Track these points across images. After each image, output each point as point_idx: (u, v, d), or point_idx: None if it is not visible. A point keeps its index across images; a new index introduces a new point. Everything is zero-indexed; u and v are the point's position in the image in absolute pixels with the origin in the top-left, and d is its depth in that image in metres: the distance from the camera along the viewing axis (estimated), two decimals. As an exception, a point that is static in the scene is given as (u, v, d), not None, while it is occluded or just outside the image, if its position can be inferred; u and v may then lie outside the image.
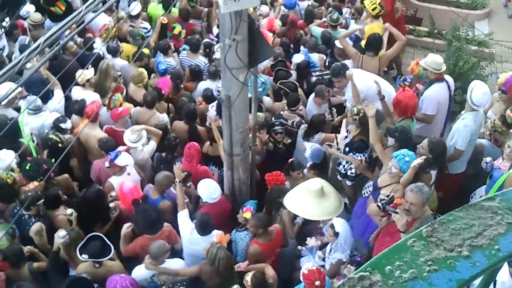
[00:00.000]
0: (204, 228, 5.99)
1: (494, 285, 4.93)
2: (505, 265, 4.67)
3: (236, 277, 5.89)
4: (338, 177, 7.42)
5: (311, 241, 6.21)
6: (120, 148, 6.97)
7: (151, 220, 5.98)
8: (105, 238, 5.81)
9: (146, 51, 8.86)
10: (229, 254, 5.80)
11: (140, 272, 5.83)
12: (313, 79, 7.76)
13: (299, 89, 8.50)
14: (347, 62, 8.60)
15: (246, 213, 6.21)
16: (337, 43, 8.97)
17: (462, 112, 7.05)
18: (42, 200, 6.04)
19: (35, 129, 7.04)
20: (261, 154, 7.42)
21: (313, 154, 7.11)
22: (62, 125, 7.18)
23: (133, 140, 7.15)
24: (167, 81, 8.52)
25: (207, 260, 5.70)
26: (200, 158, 7.09)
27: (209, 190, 6.44)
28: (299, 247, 6.44)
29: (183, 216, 6.19)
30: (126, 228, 6.09)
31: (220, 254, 5.60)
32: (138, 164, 7.22)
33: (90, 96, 7.85)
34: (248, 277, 5.36)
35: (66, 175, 6.91)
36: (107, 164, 6.62)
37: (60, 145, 6.80)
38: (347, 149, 6.99)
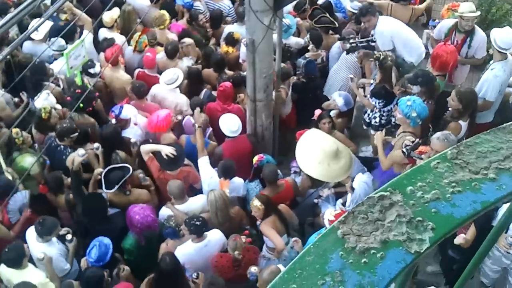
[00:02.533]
0: (226, 172, 6.03)
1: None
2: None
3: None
4: (364, 126, 7.34)
5: (325, 191, 6.18)
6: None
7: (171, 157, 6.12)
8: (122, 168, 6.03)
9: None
10: (222, 197, 5.77)
11: (163, 212, 6.00)
12: (347, 45, 7.51)
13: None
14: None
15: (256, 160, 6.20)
16: None
17: (490, 62, 6.86)
18: (77, 133, 6.28)
19: (62, 72, 7.04)
20: (284, 101, 7.35)
21: (346, 101, 7.03)
22: (91, 70, 7.18)
23: (169, 81, 7.14)
24: (178, 26, 8.39)
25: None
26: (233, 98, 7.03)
27: (229, 123, 6.49)
28: (315, 200, 6.41)
29: (204, 162, 6.23)
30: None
31: (211, 196, 5.68)
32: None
33: (117, 38, 7.84)
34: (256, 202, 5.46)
35: (92, 120, 6.98)
36: (113, 121, 6.68)
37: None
38: (369, 95, 6.91)
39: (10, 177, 5.88)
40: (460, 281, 1.69)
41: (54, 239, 5.57)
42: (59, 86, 7.15)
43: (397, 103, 6.80)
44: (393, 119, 6.85)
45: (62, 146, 6.31)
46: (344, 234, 1.15)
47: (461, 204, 1.19)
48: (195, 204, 6.02)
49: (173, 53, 7.65)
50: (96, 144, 6.29)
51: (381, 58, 6.56)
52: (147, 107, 7.18)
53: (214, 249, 5.59)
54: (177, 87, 7.20)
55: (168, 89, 7.16)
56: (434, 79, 6.47)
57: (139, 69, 7.67)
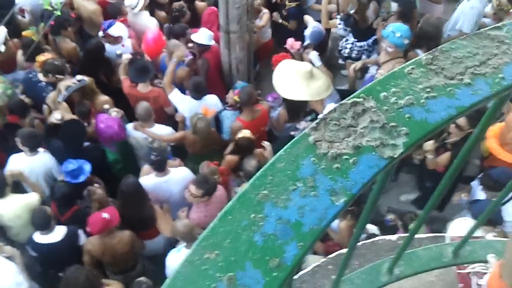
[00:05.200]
0: (197, 91, 6.06)
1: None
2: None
3: (218, 154, 6.06)
4: (340, 60, 7.28)
5: (302, 124, 6.18)
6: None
7: (140, 67, 6.30)
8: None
9: None
10: (209, 124, 5.88)
11: (129, 127, 6.24)
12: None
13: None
14: None
15: (237, 96, 6.17)
16: None
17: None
18: (63, 76, 6.21)
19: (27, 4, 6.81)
20: (260, 31, 7.24)
21: (312, 35, 6.91)
22: None
23: (132, 4, 6.98)
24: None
25: (190, 129, 5.88)
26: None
27: (204, 32, 6.64)
28: (292, 132, 6.41)
29: (175, 94, 6.19)
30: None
31: (200, 124, 5.75)
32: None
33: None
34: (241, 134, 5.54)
35: (73, 44, 6.87)
36: (101, 33, 6.61)
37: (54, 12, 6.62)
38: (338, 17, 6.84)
39: None
40: (431, 201, 1.68)
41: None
42: (24, 17, 6.94)
43: (374, 42, 6.76)
44: (363, 56, 6.83)
45: (44, 83, 6.17)
46: (316, 141, 1.12)
47: (435, 110, 1.16)
48: (160, 131, 6.05)
49: None
50: (79, 77, 6.20)
51: None
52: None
53: (175, 187, 5.66)
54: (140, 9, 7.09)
55: (133, 13, 7.03)
56: (414, 4, 6.39)
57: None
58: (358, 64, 6.45)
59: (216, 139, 6.22)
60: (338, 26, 6.81)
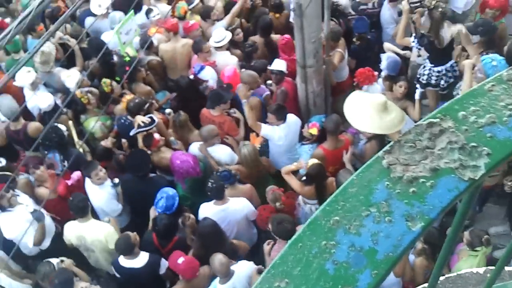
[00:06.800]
0: (280, 111, 6.29)
1: None
2: None
3: (271, 179, 6.20)
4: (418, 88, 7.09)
5: None
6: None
7: (214, 94, 6.63)
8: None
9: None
10: (255, 152, 6.08)
11: (193, 148, 6.46)
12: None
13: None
14: None
15: (312, 128, 6.14)
16: None
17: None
18: (147, 105, 6.64)
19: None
20: (336, 67, 7.16)
21: (389, 66, 6.79)
22: None
23: (217, 39, 7.20)
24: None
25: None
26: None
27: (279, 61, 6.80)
28: None
29: (264, 128, 6.39)
30: None
31: (244, 150, 5.82)
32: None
33: (161, 8, 7.98)
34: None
35: (148, 88, 7.20)
36: (191, 76, 6.90)
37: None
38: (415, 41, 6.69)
39: (81, 150, 6.16)
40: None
41: (107, 182, 6.06)
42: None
43: (452, 66, 6.54)
44: (442, 82, 6.62)
45: (128, 121, 6.51)
46: (390, 164, 1.07)
47: (520, 127, 1.08)
48: (218, 152, 6.19)
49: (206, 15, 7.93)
50: (168, 110, 6.83)
51: (431, 6, 6.25)
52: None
53: (232, 216, 5.67)
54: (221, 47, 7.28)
55: (217, 47, 7.23)
56: (495, 28, 6.15)
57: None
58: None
59: (265, 168, 6.30)
60: (412, 43, 6.64)
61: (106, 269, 6.18)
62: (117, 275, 5.68)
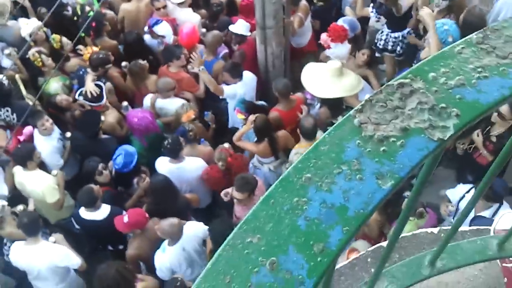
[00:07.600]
0: (235, 70, 6.38)
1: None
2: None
3: None
4: (376, 53, 7.16)
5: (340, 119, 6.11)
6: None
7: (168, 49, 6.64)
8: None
9: None
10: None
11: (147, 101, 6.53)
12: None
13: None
14: None
15: (239, 114, 6.15)
16: None
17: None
18: (110, 65, 6.59)
19: None
20: (295, 34, 7.12)
21: (350, 26, 6.81)
22: None
23: None
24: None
25: None
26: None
27: (241, 23, 6.77)
28: None
29: (226, 88, 6.30)
30: None
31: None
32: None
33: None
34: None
35: (114, 41, 7.08)
36: (145, 28, 6.81)
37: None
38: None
39: (30, 102, 6.04)
40: (474, 196, 1.61)
41: (54, 134, 6.03)
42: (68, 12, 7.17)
43: (409, 33, 6.61)
44: (398, 48, 6.70)
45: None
46: (361, 123, 1.07)
47: (487, 90, 1.10)
48: (171, 105, 6.34)
49: None
50: (124, 63, 6.75)
51: None
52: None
53: (187, 175, 5.72)
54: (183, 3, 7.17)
55: (179, 3, 7.09)
56: None
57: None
58: None
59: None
60: (370, 13, 6.70)
61: (52, 222, 6.16)
62: (77, 227, 5.68)
